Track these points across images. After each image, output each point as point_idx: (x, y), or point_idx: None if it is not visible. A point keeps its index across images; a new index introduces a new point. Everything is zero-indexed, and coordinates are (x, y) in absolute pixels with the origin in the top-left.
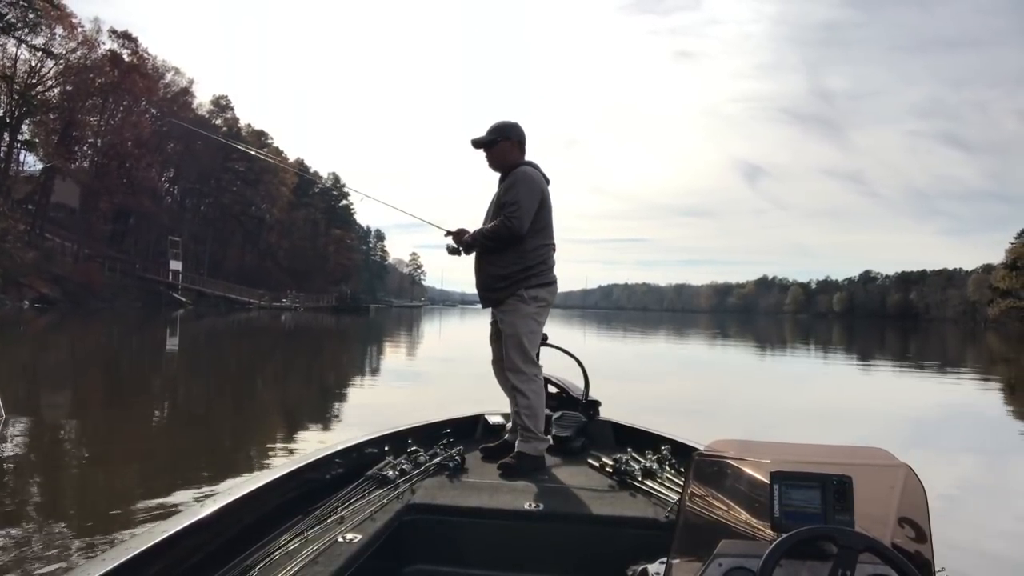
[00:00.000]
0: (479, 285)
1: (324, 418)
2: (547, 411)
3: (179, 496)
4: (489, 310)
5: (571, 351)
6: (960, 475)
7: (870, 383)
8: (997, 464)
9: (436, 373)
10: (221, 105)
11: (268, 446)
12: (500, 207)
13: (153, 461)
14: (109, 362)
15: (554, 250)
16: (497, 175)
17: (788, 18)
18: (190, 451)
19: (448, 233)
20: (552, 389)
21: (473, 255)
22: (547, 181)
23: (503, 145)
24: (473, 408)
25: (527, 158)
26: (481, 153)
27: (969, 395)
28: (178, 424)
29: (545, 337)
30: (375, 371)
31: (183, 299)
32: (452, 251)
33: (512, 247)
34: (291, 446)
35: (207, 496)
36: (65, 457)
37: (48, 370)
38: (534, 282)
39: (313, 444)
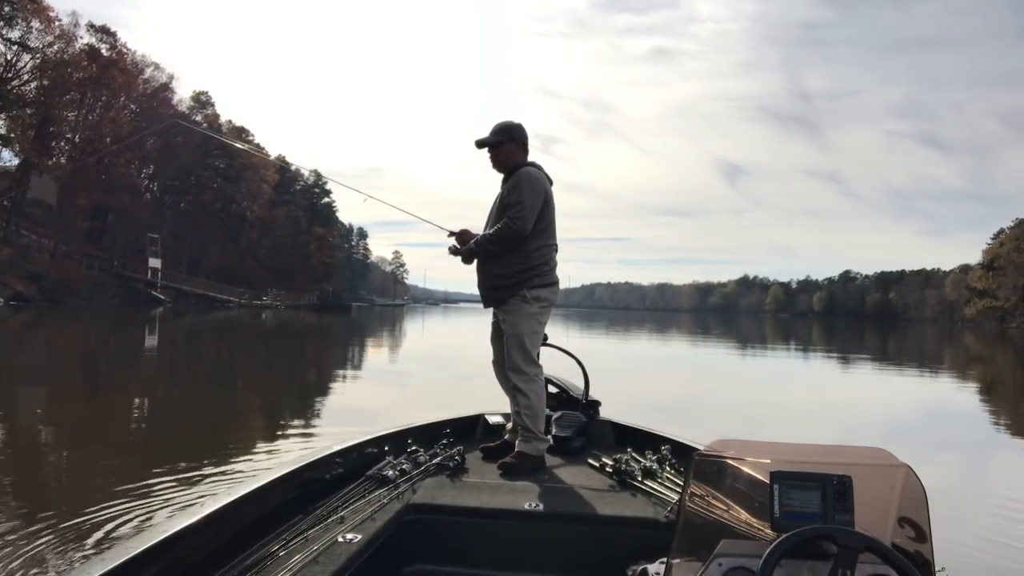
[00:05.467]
0: (481, 285)
1: (309, 421)
2: (547, 411)
3: (152, 509)
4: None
5: (572, 351)
6: (941, 467)
7: (851, 381)
8: (975, 457)
9: (420, 373)
10: (201, 101)
11: (250, 450)
12: (504, 208)
13: (124, 473)
14: (84, 362)
15: (556, 250)
16: (497, 175)
17: (767, 17)
18: (165, 457)
19: (451, 234)
20: (552, 389)
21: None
22: (550, 182)
23: (508, 147)
24: (473, 408)
25: (529, 158)
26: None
27: (948, 393)
28: (154, 428)
29: (545, 337)
30: (357, 371)
31: (162, 297)
32: (455, 252)
33: (515, 247)
34: (275, 449)
35: (199, 499)
36: (32, 464)
37: (19, 369)
38: (536, 282)
39: (297, 450)
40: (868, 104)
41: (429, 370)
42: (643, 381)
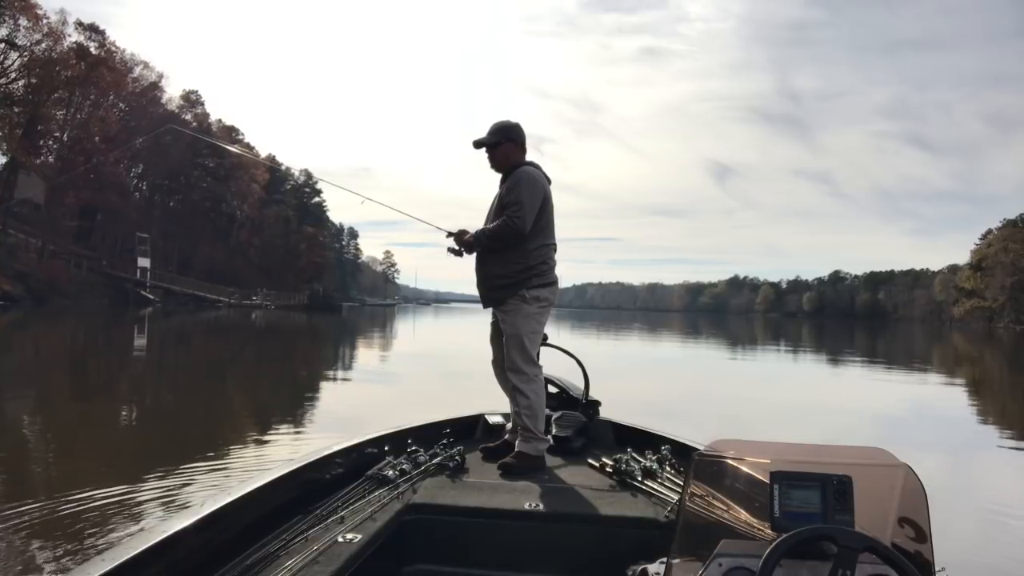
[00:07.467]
0: (480, 285)
1: (300, 424)
2: (547, 411)
3: (145, 509)
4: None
5: (571, 351)
6: (937, 467)
7: (843, 382)
8: (969, 456)
9: (414, 374)
10: (191, 100)
11: (240, 455)
12: (503, 207)
13: (115, 474)
14: (71, 363)
15: (555, 250)
16: (491, 175)
17: (755, 17)
18: (154, 460)
19: (450, 234)
20: (552, 389)
21: (474, 255)
22: (548, 181)
23: (506, 147)
24: (472, 408)
25: (527, 158)
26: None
27: (940, 393)
28: (142, 431)
29: (545, 337)
30: (349, 372)
31: (151, 297)
32: (453, 252)
33: (514, 247)
34: (266, 452)
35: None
36: (23, 465)
37: (6, 370)
38: (536, 282)
39: (288, 454)
40: (857, 105)
41: (423, 371)
42: (638, 381)
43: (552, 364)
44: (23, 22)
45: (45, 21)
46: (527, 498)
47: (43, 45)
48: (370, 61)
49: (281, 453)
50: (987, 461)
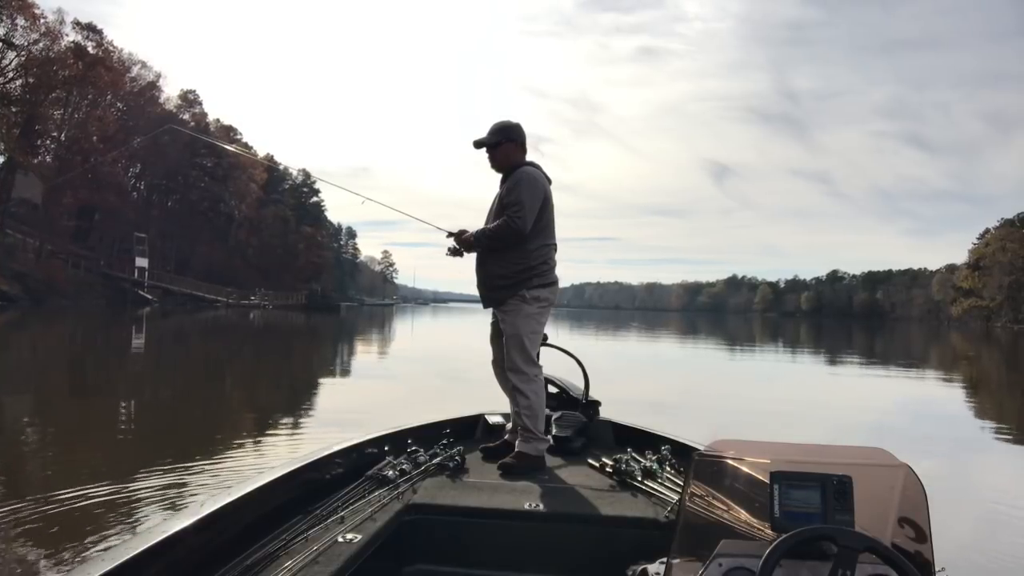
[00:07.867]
0: (480, 285)
1: (299, 425)
2: (547, 411)
3: (143, 510)
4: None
5: (571, 351)
6: (936, 466)
7: (842, 381)
8: (969, 455)
9: (413, 374)
10: (189, 100)
11: (239, 458)
12: (503, 207)
13: (114, 475)
14: (70, 362)
15: (555, 250)
16: (490, 175)
17: (753, 16)
18: (152, 462)
19: (450, 234)
20: (552, 389)
21: (474, 255)
22: (549, 181)
23: (506, 147)
24: (473, 408)
25: (528, 158)
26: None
27: (939, 392)
28: (140, 433)
29: (545, 337)
30: (347, 373)
31: (149, 297)
32: (454, 252)
33: (514, 247)
34: (264, 455)
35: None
36: (21, 466)
37: (3, 371)
38: (536, 282)
39: (287, 455)
40: (854, 104)
41: (422, 371)
42: (638, 381)
43: (552, 364)
44: (20, 21)
45: (42, 20)
46: (527, 498)
47: (40, 44)
48: (368, 61)
49: (281, 453)
50: (987, 460)
